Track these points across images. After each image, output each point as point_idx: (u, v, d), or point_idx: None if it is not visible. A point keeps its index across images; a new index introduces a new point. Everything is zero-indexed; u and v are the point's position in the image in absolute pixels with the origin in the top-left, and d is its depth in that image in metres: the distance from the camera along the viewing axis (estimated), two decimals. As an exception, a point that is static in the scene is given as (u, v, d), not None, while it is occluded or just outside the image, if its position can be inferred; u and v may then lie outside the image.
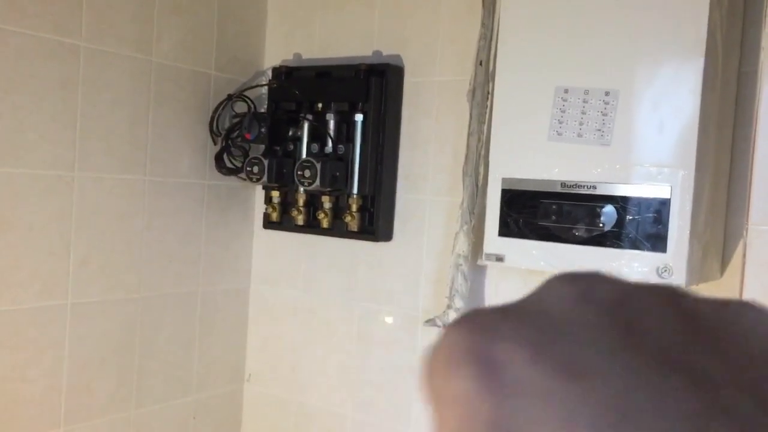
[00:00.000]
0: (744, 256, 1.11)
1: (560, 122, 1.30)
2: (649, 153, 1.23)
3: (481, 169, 1.53)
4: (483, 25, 1.53)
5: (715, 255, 1.33)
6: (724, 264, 1.36)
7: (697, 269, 1.25)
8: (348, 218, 1.71)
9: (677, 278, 1.21)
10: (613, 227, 1.26)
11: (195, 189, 1.82)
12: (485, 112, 1.52)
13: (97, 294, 1.62)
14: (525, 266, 1.37)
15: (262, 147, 1.78)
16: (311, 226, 1.79)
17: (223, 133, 1.82)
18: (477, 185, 1.54)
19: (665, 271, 1.22)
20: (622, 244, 1.25)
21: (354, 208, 1.71)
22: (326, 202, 1.75)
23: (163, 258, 1.76)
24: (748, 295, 1.10)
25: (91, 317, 1.62)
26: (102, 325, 1.64)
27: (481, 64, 1.54)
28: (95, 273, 1.61)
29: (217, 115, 1.82)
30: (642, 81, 1.23)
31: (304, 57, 1.88)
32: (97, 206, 1.61)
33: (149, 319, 1.74)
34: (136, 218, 1.69)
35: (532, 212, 1.33)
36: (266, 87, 1.87)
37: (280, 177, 1.76)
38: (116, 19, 1.61)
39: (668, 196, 1.21)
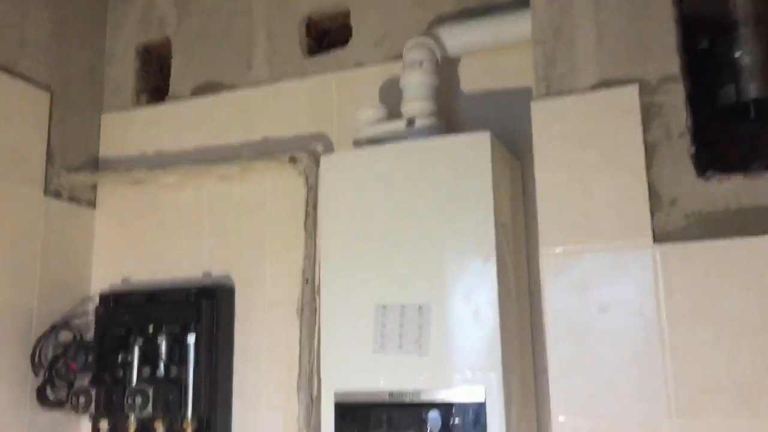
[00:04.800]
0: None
1: (382, 335, 1.41)
2: (463, 358, 1.36)
3: (315, 382, 1.59)
4: (306, 246, 1.67)
5: (532, 447, 1.45)
6: (542, 454, 1.47)
7: (519, 463, 1.35)
8: (183, 443, 1.67)
9: (502, 475, 1.30)
10: None
11: (13, 428, 1.70)
12: (314, 328, 1.61)
13: None
14: (362, 479, 1.40)
15: (89, 376, 1.73)
16: (144, 456, 1.72)
17: (46, 364, 1.75)
18: (312, 398, 1.59)
19: (490, 469, 1.31)
20: (449, 447, 1.33)
21: (189, 431, 1.67)
22: (159, 428, 1.70)
23: None
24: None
25: None
26: None
27: (307, 282, 1.65)
28: None
29: (39, 347, 1.76)
30: (448, 295, 1.38)
31: (132, 279, 1.90)
32: None
33: None
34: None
35: (365, 424, 1.39)
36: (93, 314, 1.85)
37: (109, 405, 1.70)
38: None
39: (483, 399, 1.32)
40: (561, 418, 1.22)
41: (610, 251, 1.25)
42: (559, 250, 1.29)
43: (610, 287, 1.23)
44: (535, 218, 1.34)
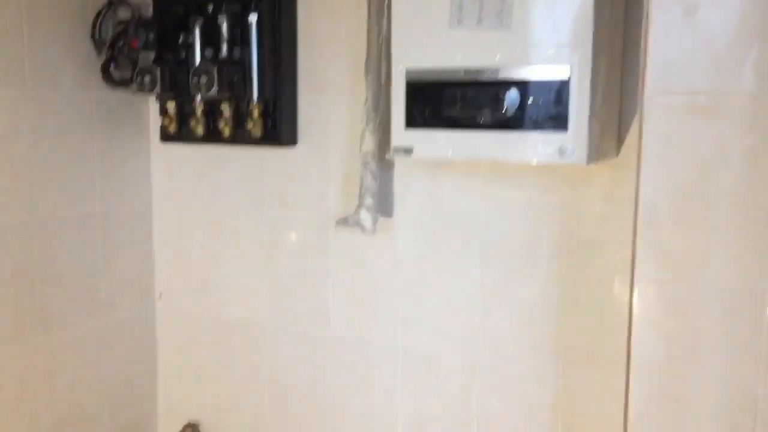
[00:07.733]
0: (640, 129, 1.15)
1: (460, 8, 1.29)
2: (548, 34, 1.24)
3: (383, 65, 1.51)
4: None
5: (611, 134, 1.38)
6: (619, 143, 1.41)
7: (596, 147, 1.29)
8: (250, 125, 1.66)
9: (578, 157, 1.25)
10: (516, 111, 1.28)
11: (83, 103, 1.71)
12: (384, 5, 1.49)
13: (-14, 220, 1.53)
14: (433, 156, 1.37)
15: (152, 55, 1.68)
16: (212, 136, 1.73)
17: (108, 42, 1.71)
18: (380, 82, 1.52)
19: (566, 150, 1.26)
20: (525, 126, 1.27)
21: (255, 114, 1.65)
22: (226, 110, 1.68)
23: (54, 179, 1.66)
24: (645, 169, 1.14)
25: (-18, 245, 1.52)
26: (-5, 253, 1.55)
27: (376, -46, 1.49)
28: (-19, 198, 1.51)
29: (98, 23, 1.70)
30: (538, -39, 1.23)
31: (188, -44, 1.77)
32: (-25, 125, 1.49)
33: (46, 242, 1.65)
34: (19, 138, 1.58)
35: (437, 101, 1.33)
36: (150, -10, 1.75)
37: (175, 86, 1.67)
38: None
39: (567, 77, 1.23)
40: (657, 99, 1.12)
41: None
42: None
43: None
44: None
